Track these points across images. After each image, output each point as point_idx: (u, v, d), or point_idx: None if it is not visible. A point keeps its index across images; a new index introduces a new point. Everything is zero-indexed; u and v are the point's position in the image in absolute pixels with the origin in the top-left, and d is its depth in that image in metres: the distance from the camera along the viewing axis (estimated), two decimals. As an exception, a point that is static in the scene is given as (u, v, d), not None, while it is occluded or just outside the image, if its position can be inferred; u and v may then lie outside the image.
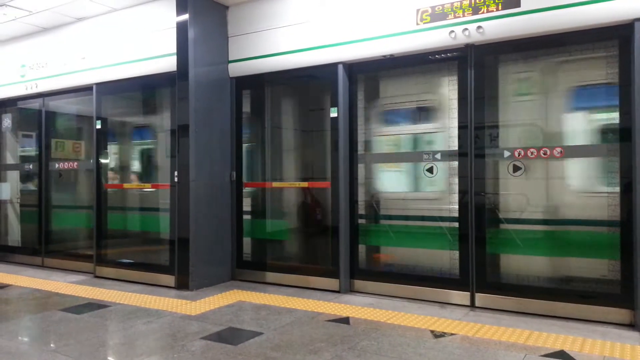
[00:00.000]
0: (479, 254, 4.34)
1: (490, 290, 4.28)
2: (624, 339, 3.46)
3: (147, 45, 5.62)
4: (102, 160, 6.15)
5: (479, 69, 4.36)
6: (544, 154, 4.11)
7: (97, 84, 6.10)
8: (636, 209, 3.70)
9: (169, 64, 5.34)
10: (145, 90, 6.24)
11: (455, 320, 3.97)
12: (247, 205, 5.72)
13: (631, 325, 3.73)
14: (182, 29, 5.18)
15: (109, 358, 3.24)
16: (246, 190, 5.71)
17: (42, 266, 6.73)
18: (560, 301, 4.00)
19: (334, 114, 4.97)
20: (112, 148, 6.55)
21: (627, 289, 3.79)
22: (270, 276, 5.38)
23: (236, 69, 5.55)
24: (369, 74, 5.18)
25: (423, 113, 5.29)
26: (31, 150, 7.33)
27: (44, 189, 6.85)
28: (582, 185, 4.37)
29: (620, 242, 3.88)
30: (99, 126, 6.12)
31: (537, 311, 4.06)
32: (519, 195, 4.54)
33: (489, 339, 3.52)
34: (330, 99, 5.02)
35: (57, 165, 6.79)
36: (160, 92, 5.99)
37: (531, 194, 4.50)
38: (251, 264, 5.60)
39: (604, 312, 3.85)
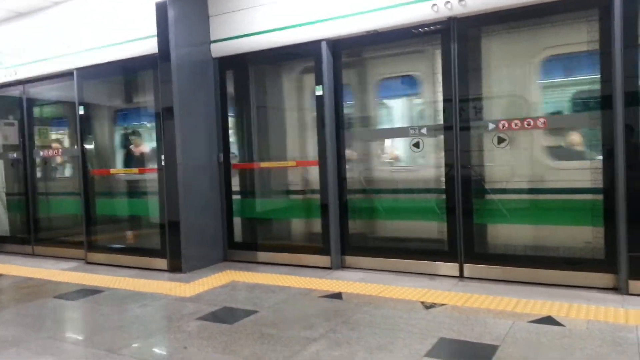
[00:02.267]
0: (466, 226, 4.41)
1: (478, 261, 4.37)
2: (608, 303, 3.58)
3: (128, 27, 5.52)
4: (87, 146, 6.10)
5: (462, 41, 4.37)
6: (528, 125, 4.16)
7: (78, 69, 6.00)
8: (618, 176, 3.78)
9: (151, 46, 5.26)
10: (127, 74, 6.16)
11: (445, 291, 4.07)
12: (236, 185, 5.73)
13: (615, 289, 3.85)
14: (161, 9, 5.09)
15: (105, 342, 3.28)
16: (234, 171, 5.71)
17: (32, 254, 6.71)
18: (547, 268, 4.10)
19: (319, 92, 4.96)
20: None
21: (611, 255, 3.89)
22: (262, 256, 5.43)
23: (218, 49, 5.49)
24: (353, 50, 5.16)
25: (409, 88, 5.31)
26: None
27: (29, 177, 6.79)
28: (566, 154, 4.45)
29: (603, 209, 3.98)
30: (81, 112, 6.05)
31: (524, 279, 4.16)
32: (504, 166, 4.61)
33: (478, 307, 3.61)
34: (315, 77, 5.00)
35: (41, 153, 6.72)
36: (142, 75, 5.92)
37: (516, 165, 4.56)
38: (243, 244, 5.64)
39: (588, 278, 3.96)
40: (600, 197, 3.99)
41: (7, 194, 7.30)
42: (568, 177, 4.40)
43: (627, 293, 3.72)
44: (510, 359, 2.72)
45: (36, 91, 6.79)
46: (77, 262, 6.04)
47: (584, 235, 4.16)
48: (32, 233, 6.78)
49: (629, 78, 3.70)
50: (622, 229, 3.76)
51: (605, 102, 3.89)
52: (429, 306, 3.70)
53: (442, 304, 3.73)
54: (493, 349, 2.87)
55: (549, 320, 3.28)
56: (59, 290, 4.73)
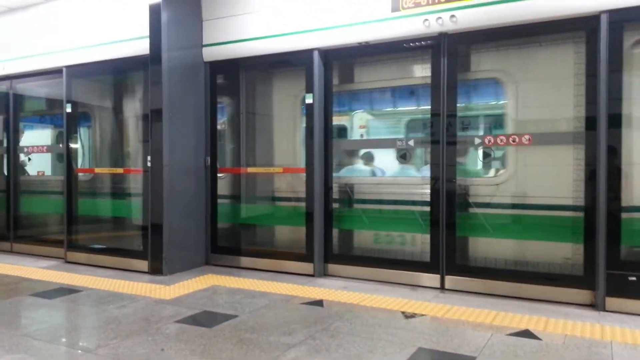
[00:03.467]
0: (449, 238, 4.45)
1: (460, 273, 4.41)
2: (584, 319, 3.63)
3: (119, 27, 5.51)
4: (72, 145, 6.04)
5: (451, 57, 4.44)
6: (513, 141, 4.23)
7: (67, 67, 5.97)
8: (599, 195, 3.85)
9: (142, 47, 5.26)
10: (117, 74, 6.14)
11: (426, 301, 4.09)
12: (221, 190, 5.71)
13: (592, 306, 3.90)
14: (155, 11, 5.10)
15: (81, 342, 3.23)
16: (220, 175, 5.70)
17: (10, 252, 6.60)
18: (526, 283, 4.15)
19: (309, 100, 4.99)
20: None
21: (589, 271, 3.95)
22: (245, 261, 5.41)
23: (210, 54, 5.51)
24: (344, 61, 5.21)
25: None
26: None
27: (12, 174, 6.70)
28: (549, 172, 4.51)
29: (583, 227, 4.04)
30: (69, 110, 6.01)
31: (504, 292, 4.20)
32: (488, 181, 4.66)
33: (458, 319, 3.64)
34: (305, 86, 5.04)
35: (25, 150, 6.64)
36: (132, 75, 5.91)
37: (500, 180, 4.62)
38: (225, 248, 5.62)
39: (567, 293, 4.02)
40: (581, 214, 4.06)
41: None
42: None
43: (604, 309, 3.78)
44: (487, 371, 2.74)
45: (23, 87, 6.73)
46: (56, 261, 5.95)
47: (564, 252, 4.22)
48: (12, 230, 6.68)
49: (612, 101, 3.80)
50: (601, 247, 3.83)
51: (589, 123, 3.98)
52: (409, 316, 3.71)
53: (423, 315, 3.74)
54: (471, 360, 2.89)
55: (526, 334, 3.32)
56: (36, 288, 4.66)
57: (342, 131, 5.89)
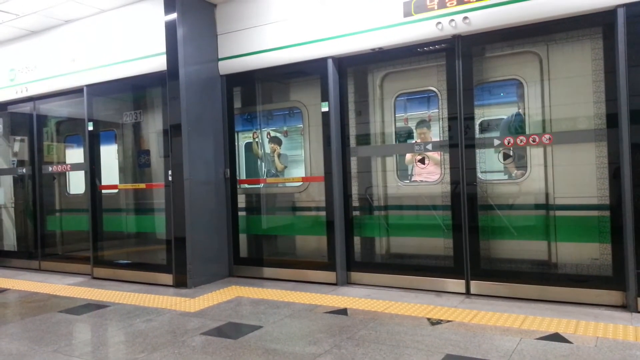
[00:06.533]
0: (472, 242, 4.40)
1: (485, 278, 4.35)
2: (616, 320, 3.54)
3: (137, 45, 5.62)
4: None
5: (466, 59, 4.41)
6: (533, 141, 4.17)
7: (88, 86, 6.10)
8: (625, 193, 3.77)
9: (159, 63, 5.35)
10: (136, 91, 6.24)
11: (451, 307, 4.04)
12: (242, 202, 5.75)
13: (623, 307, 3.81)
14: (170, 28, 5.19)
15: (110, 356, 3.27)
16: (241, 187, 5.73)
17: (39, 270, 6.73)
18: (554, 285, 4.07)
19: (324, 108, 5.01)
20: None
21: (618, 272, 3.86)
22: (268, 271, 5.43)
23: (226, 67, 5.57)
24: (359, 67, 5.22)
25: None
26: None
27: (37, 193, 6.85)
28: (571, 171, 4.43)
29: (610, 226, 3.96)
30: (90, 128, 6.13)
31: (531, 296, 4.13)
32: (509, 183, 4.60)
33: (485, 324, 3.58)
34: (320, 94, 5.06)
35: (50, 169, 6.79)
36: (151, 92, 6.01)
37: (521, 181, 4.56)
38: (248, 260, 5.64)
39: (596, 295, 3.93)
40: (607, 213, 3.97)
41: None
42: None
43: (636, 311, 3.68)
44: (518, 376, 2.69)
45: (46, 107, 6.89)
46: (83, 277, 6.05)
47: (592, 252, 4.13)
48: (39, 248, 6.81)
49: (634, 96, 3.72)
50: (629, 246, 3.74)
51: (611, 120, 3.91)
52: (435, 322, 3.67)
53: (449, 321, 3.70)
54: (500, 365, 2.84)
55: (556, 337, 3.25)
56: (64, 304, 4.74)
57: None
